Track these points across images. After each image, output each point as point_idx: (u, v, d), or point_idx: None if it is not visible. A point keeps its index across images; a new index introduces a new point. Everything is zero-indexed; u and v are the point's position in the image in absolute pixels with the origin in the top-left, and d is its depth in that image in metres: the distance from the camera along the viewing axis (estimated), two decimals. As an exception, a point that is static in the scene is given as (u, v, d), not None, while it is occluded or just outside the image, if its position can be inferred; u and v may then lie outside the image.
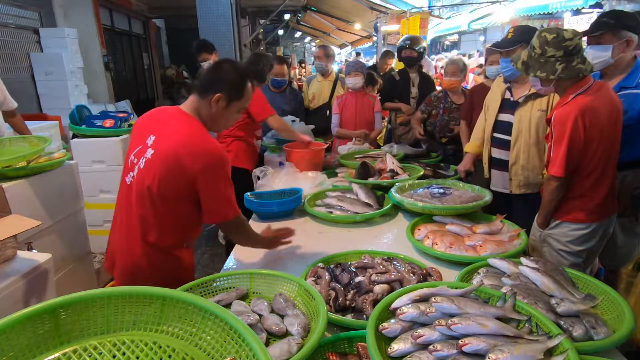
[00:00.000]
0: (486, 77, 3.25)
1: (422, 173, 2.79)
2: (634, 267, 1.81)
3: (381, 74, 5.55)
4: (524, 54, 1.95)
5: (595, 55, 2.09)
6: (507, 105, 2.51)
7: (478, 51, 12.51)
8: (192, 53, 4.24)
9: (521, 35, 2.34)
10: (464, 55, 11.56)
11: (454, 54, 12.36)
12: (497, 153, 2.58)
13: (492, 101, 2.62)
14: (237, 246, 2.00)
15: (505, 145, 2.49)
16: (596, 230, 1.98)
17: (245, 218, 1.77)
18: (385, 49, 6.72)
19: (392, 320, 1.17)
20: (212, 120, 1.64)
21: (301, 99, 4.38)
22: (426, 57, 6.19)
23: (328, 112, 4.27)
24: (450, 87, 3.48)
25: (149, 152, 1.56)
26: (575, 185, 1.94)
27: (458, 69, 3.43)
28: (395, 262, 1.62)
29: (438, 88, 4.12)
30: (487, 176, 2.67)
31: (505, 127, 2.48)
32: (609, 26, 2.06)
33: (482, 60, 7.44)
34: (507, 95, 2.53)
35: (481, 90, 3.07)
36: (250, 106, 2.92)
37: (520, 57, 1.97)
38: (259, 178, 2.64)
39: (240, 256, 1.91)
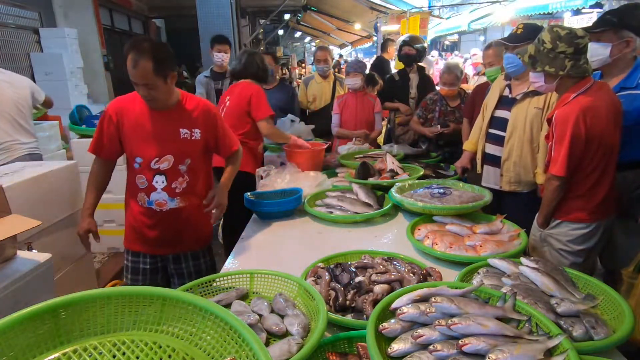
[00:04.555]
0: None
1: (422, 173, 2.79)
2: (635, 268, 1.80)
3: (389, 60, 5.56)
4: (531, 47, 1.95)
5: (594, 52, 2.07)
6: (505, 102, 2.52)
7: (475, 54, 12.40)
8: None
9: (530, 32, 2.32)
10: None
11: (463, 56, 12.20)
12: (491, 149, 2.59)
13: (490, 98, 2.63)
14: (237, 246, 2.01)
15: (499, 141, 2.51)
16: (596, 230, 1.98)
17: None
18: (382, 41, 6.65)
19: (392, 320, 1.17)
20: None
21: (294, 94, 4.34)
22: (428, 57, 6.18)
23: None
24: (447, 94, 3.57)
25: None
26: (576, 185, 1.94)
27: (455, 78, 3.50)
28: (395, 262, 1.62)
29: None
30: (479, 172, 2.68)
31: (501, 123, 2.49)
32: (612, 24, 2.05)
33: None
34: (506, 92, 2.55)
35: (484, 89, 3.07)
36: (251, 106, 2.89)
37: (527, 50, 1.96)
38: (262, 177, 2.64)
39: (240, 256, 1.91)
